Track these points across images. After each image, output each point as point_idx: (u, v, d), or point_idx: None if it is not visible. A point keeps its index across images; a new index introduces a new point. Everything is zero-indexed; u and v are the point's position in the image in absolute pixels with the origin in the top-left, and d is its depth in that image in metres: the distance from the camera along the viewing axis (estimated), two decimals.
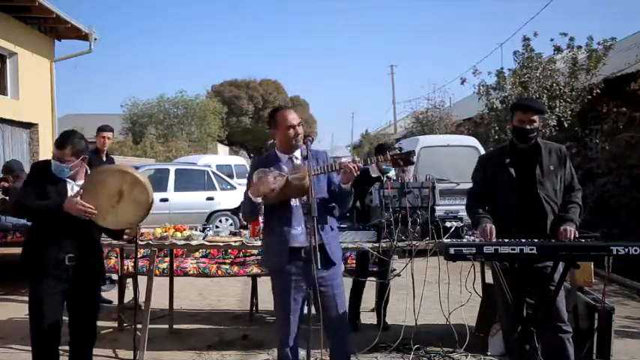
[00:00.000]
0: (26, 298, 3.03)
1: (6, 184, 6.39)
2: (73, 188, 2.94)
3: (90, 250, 3.00)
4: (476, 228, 3.17)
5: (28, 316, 2.96)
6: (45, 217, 2.89)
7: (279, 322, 2.99)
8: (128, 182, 2.87)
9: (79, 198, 2.81)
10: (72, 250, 2.90)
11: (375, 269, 4.86)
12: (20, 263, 2.95)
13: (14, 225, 5.68)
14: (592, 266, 4.11)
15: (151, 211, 2.99)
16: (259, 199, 2.81)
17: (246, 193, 2.88)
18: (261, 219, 3.41)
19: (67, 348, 3.06)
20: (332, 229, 2.99)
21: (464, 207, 3.46)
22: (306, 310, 2.86)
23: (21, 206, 3.04)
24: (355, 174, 2.82)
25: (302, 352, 3.41)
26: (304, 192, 2.75)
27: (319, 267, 2.53)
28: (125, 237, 3.64)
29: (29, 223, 5.37)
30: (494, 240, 2.92)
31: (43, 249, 2.89)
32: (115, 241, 3.74)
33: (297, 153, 2.99)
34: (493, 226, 3.03)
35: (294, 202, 2.89)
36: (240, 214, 3.17)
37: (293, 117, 2.91)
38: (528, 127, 3.11)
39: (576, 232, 2.97)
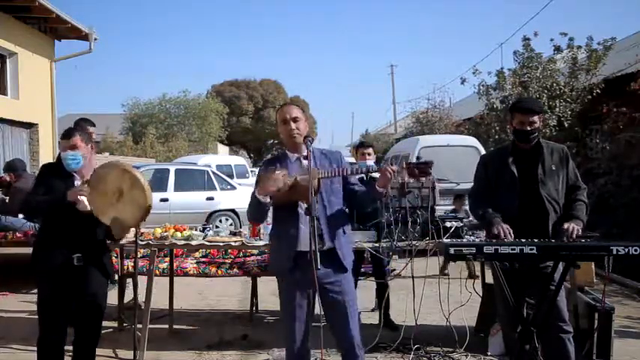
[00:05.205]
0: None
1: (7, 179, 6.34)
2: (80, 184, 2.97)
3: (97, 250, 3.02)
4: (489, 228, 3.10)
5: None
6: (50, 209, 2.90)
7: (285, 329, 2.81)
8: (127, 181, 2.88)
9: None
10: (80, 250, 2.92)
11: (365, 271, 4.85)
12: (30, 263, 2.97)
13: (14, 225, 5.67)
14: (593, 266, 4.11)
15: (149, 214, 2.99)
16: (267, 199, 2.67)
17: (253, 194, 2.73)
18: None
19: (68, 347, 3.06)
20: (344, 233, 2.82)
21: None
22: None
23: (27, 204, 3.06)
24: (393, 178, 2.65)
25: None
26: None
27: (319, 267, 2.47)
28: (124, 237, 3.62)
29: (29, 224, 5.40)
30: (512, 239, 2.89)
31: (52, 249, 2.92)
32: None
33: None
34: (508, 226, 2.99)
35: (302, 204, 2.74)
36: (247, 217, 3.01)
37: (288, 112, 2.80)
38: (529, 128, 3.10)
39: (579, 230, 2.93)
